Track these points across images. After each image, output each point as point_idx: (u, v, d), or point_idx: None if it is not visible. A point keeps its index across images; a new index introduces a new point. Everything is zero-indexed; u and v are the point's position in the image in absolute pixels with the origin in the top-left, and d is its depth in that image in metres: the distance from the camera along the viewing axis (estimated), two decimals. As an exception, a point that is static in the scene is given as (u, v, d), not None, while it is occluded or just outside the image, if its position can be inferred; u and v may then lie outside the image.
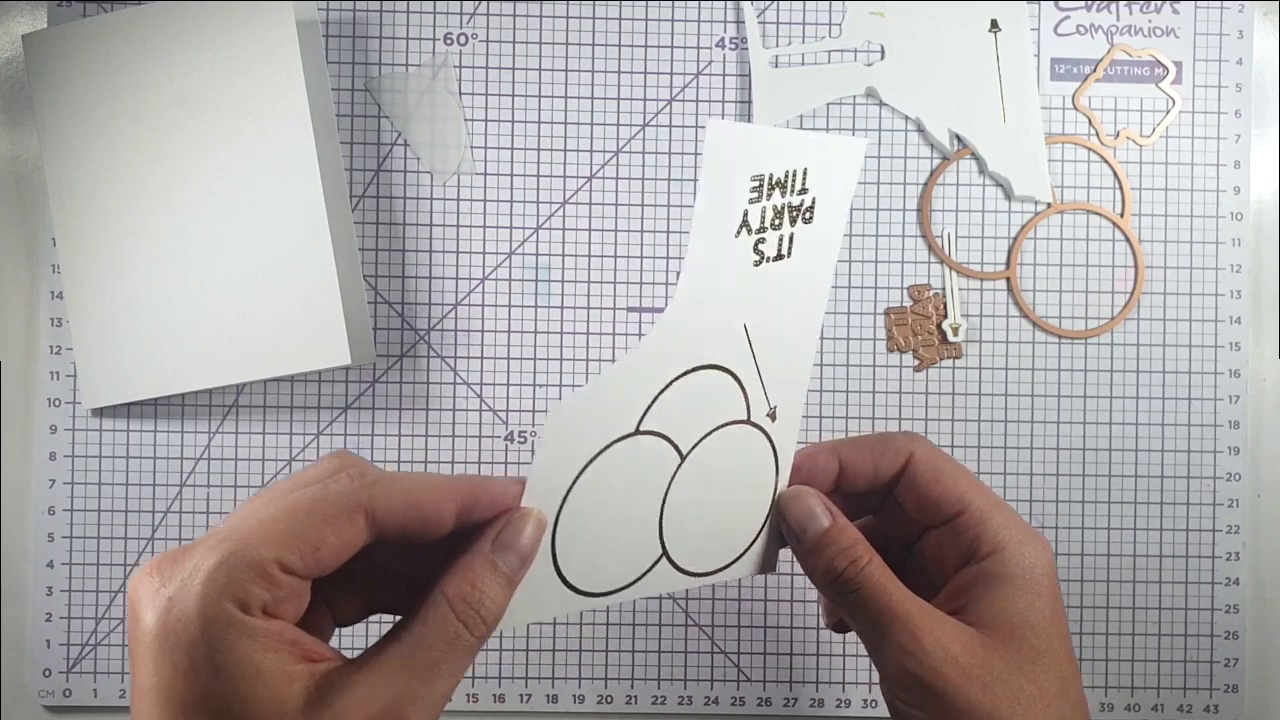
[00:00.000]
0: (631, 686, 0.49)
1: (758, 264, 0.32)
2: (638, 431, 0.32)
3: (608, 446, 0.32)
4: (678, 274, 0.32)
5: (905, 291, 0.50)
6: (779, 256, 0.32)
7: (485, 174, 0.49)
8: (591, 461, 0.32)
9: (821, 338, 0.49)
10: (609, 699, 0.49)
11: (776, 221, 0.32)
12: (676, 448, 0.34)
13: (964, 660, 0.32)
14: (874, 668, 0.35)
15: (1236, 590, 0.49)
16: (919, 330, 0.49)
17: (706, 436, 0.34)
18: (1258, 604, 0.50)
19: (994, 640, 0.33)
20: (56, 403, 0.49)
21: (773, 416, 0.35)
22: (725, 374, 0.33)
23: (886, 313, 0.50)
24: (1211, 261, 0.50)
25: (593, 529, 0.33)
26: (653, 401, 0.32)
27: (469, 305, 0.49)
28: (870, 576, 0.34)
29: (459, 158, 0.49)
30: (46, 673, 0.48)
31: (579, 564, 0.33)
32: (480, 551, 0.30)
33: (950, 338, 0.49)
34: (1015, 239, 0.50)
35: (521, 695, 0.49)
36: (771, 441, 0.36)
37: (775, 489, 0.37)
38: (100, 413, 0.49)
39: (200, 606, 0.27)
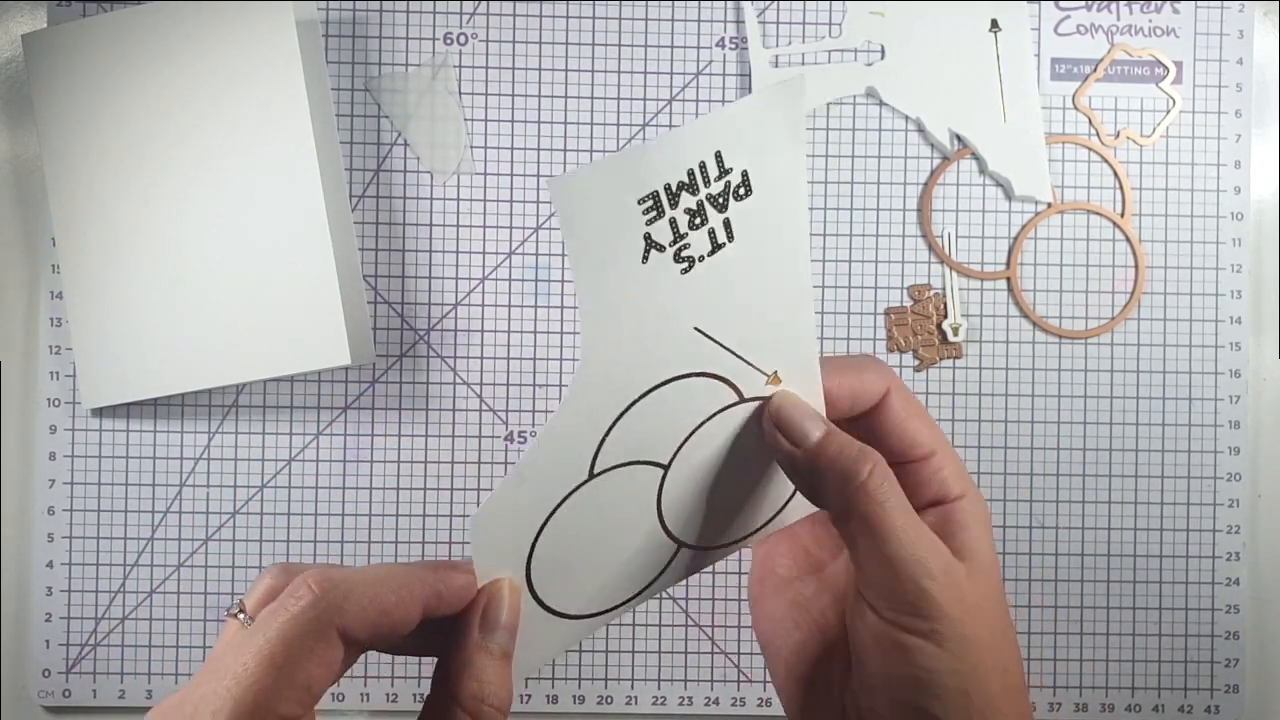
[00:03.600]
0: (631, 687, 0.49)
1: (688, 270, 0.29)
2: (592, 477, 0.30)
3: (558, 506, 0.30)
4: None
5: (905, 291, 0.50)
6: (716, 247, 0.29)
7: (485, 174, 0.49)
8: (544, 524, 0.30)
9: (822, 338, 0.50)
10: (609, 699, 0.49)
11: (696, 221, 0.28)
12: (654, 463, 0.32)
13: (965, 589, 0.32)
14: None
15: (1237, 590, 0.49)
16: (919, 330, 0.49)
17: (691, 436, 0.32)
18: (1258, 604, 0.50)
19: (975, 574, 0.33)
20: (56, 403, 0.48)
21: (776, 380, 0.32)
22: (691, 377, 0.31)
23: (886, 313, 0.50)
24: (1212, 261, 0.50)
25: (577, 567, 0.31)
26: (599, 447, 0.30)
27: (469, 305, 0.49)
28: (878, 481, 0.32)
29: (459, 158, 0.49)
30: (46, 673, 0.48)
31: (575, 598, 0.32)
32: (471, 643, 0.30)
33: (950, 338, 0.49)
34: (1015, 239, 0.50)
35: (521, 696, 0.49)
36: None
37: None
38: (100, 413, 0.49)
39: None
